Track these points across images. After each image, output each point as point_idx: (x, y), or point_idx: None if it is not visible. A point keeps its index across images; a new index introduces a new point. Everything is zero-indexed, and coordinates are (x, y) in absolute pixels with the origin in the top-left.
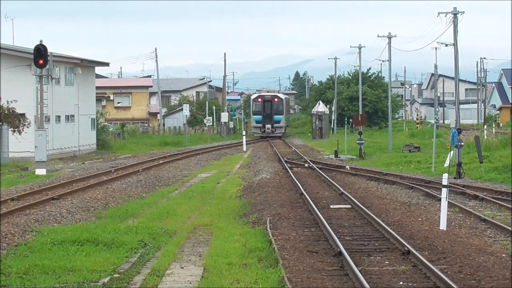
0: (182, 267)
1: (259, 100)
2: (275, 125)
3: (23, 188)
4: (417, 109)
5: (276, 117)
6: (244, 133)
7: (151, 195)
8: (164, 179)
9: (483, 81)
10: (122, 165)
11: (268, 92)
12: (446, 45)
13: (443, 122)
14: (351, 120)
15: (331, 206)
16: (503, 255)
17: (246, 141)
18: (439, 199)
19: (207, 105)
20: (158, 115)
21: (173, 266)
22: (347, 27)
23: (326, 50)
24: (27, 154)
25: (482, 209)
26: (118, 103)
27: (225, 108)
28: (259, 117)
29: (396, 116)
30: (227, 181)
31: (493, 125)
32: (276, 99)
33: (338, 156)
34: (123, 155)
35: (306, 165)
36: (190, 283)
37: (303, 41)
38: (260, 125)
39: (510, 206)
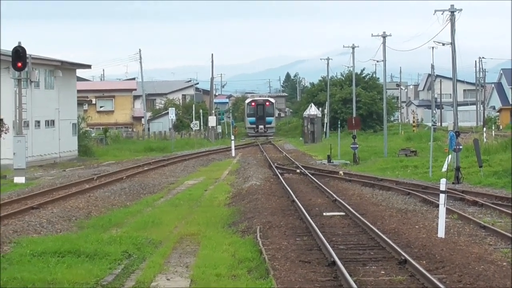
0: (168, 279)
1: (253, 104)
2: (267, 125)
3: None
4: (413, 111)
5: (268, 118)
6: (232, 137)
7: (135, 203)
8: (149, 187)
9: (482, 81)
10: (105, 172)
11: (260, 96)
12: (443, 44)
13: (441, 124)
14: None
15: (324, 214)
16: (504, 263)
17: (235, 146)
18: (437, 206)
19: (193, 108)
20: (143, 119)
21: (158, 278)
22: (340, 27)
23: (318, 51)
24: (5, 161)
25: (482, 216)
26: (101, 107)
27: (213, 111)
28: (253, 119)
29: (392, 119)
30: (215, 188)
31: (493, 128)
32: (267, 103)
33: (331, 161)
34: (106, 162)
35: (298, 170)
36: None
37: (294, 41)
38: (254, 126)
39: (511, 212)
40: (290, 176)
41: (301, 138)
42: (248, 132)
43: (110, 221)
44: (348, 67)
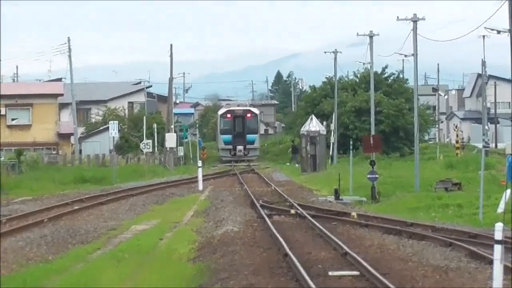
0: None
1: (228, 115)
2: (248, 146)
3: None
4: (456, 126)
5: (250, 136)
6: (200, 163)
7: (61, 257)
8: (81, 234)
9: None
10: (18, 213)
11: (239, 105)
12: (499, 31)
13: (496, 146)
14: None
15: (330, 273)
16: None
17: (204, 175)
18: (491, 261)
19: (145, 122)
20: (72, 137)
21: None
22: (351, 7)
23: (321, 41)
24: None
25: None
26: (13, 120)
27: (172, 126)
28: (228, 137)
29: (426, 138)
30: (175, 235)
31: None
32: (249, 114)
33: (340, 197)
34: (20, 198)
35: (293, 211)
36: None
37: (286, 28)
38: (230, 146)
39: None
40: (282, 219)
41: (297, 165)
42: (222, 155)
43: (24, 283)
44: (363, 64)
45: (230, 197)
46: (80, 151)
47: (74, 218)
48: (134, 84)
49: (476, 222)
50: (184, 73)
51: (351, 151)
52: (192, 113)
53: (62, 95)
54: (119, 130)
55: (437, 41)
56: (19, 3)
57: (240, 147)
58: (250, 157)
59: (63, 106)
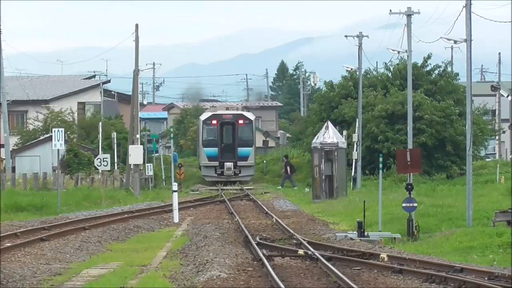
0: None
1: (214, 121)
2: (240, 163)
3: None
4: None
5: (242, 150)
6: (175, 186)
7: None
8: (15, 280)
9: None
10: None
11: (228, 108)
12: None
13: None
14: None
15: None
16: None
17: (181, 202)
18: None
19: (101, 130)
20: (3, 149)
21: None
22: None
23: (340, 22)
24: None
25: None
26: None
27: (138, 136)
28: (214, 150)
29: (483, 153)
30: (142, 283)
31: None
32: (241, 120)
33: (366, 233)
34: None
35: (301, 251)
36: None
37: (293, 5)
38: (216, 163)
39: None
40: (286, 262)
41: (306, 189)
42: (205, 175)
43: None
44: (398, 52)
45: (216, 232)
46: (14, 168)
47: (5, 259)
48: (86, 79)
49: None
50: (154, 64)
51: (380, 171)
52: (165, 118)
53: None
54: (66, 141)
55: (499, 22)
56: None
57: (229, 164)
58: (243, 177)
59: None
